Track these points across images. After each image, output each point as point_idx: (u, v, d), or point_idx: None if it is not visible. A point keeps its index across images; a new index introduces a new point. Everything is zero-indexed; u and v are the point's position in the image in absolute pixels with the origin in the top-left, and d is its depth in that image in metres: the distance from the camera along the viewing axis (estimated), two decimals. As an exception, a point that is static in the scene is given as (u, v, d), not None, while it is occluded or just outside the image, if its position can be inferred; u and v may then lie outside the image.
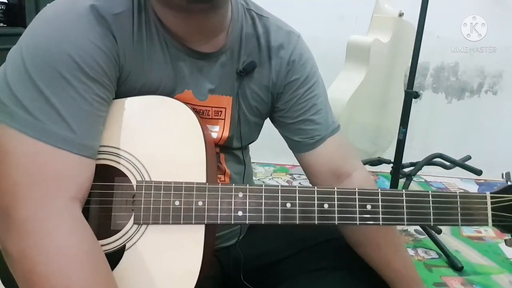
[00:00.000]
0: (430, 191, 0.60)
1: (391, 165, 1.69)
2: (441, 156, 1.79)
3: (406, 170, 1.79)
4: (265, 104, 0.73)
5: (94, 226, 0.55)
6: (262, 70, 0.70)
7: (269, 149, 1.39)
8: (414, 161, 1.81)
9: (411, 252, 1.56)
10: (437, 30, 2.05)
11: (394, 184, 1.68)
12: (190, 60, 0.64)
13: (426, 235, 1.60)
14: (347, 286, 0.68)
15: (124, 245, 0.57)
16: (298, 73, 0.71)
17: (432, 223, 0.59)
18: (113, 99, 0.60)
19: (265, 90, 0.71)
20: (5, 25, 1.77)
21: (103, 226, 0.59)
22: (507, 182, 0.62)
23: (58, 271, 0.48)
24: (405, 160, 1.70)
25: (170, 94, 0.63)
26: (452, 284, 1.38)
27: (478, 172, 1.66)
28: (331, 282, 0.69)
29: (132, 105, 0.60)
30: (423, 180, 2.29)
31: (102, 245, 0.57)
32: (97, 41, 0.55)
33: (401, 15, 1.74)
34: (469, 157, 1.82)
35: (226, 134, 0.70)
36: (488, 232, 1.73)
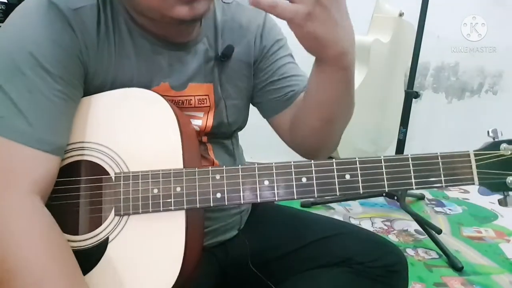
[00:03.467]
0: (409, 154, 0.59)
1: (391, 165, 1.69)
2: (441, 156, 1.78)
3: (406, 170, 1.79)
4: (249, 80, 0.76)
5: (76, 221, 0.56)
6: (240, 49, 0.72)
7: (269, 149, 1.39)
8: (414, 161, 1.81)
9: (411, 252, 1.56)
10: (437, 30, 2.05)
11: (394, 184, 1.67)
12: (167, 53, 0.65)
13: (427, 235, 1.60)
14: (351, 281, 0.69)
15: (107, 238, 0.58)
16: (267, 40, 0.75)
17: (414, 187, 0.58)
18: (86, 95, 0.61)
19: (247, 66, 0.74)
20: (5, 25, 1.77)
21: (85, 220, 0.60)
22: (494, 139, 0.60)
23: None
24: (405, 160, 1.70)
25: (146, 88, 0.64)
26: (452, 284, 1.38)
27: (478, 172, 1.65)
28: (334, 277, 0.69)
29: (105, 99, 0.62)
30: (423, 180, 2.29)
31: (85, 239, 0.58)
32: (57, 38, 0.56)
33: (401, 15, 1.74)
34: (469, 157, 1.81)
35: (210, 121, 0.71)
36: (489, 232, 1.73)
